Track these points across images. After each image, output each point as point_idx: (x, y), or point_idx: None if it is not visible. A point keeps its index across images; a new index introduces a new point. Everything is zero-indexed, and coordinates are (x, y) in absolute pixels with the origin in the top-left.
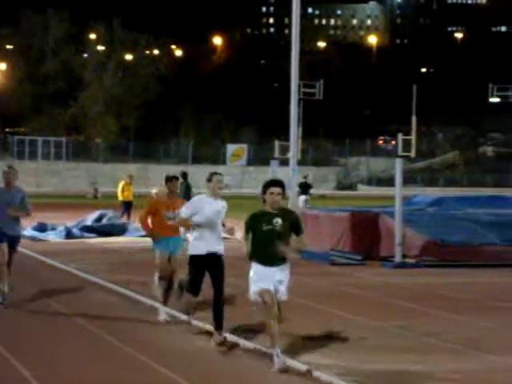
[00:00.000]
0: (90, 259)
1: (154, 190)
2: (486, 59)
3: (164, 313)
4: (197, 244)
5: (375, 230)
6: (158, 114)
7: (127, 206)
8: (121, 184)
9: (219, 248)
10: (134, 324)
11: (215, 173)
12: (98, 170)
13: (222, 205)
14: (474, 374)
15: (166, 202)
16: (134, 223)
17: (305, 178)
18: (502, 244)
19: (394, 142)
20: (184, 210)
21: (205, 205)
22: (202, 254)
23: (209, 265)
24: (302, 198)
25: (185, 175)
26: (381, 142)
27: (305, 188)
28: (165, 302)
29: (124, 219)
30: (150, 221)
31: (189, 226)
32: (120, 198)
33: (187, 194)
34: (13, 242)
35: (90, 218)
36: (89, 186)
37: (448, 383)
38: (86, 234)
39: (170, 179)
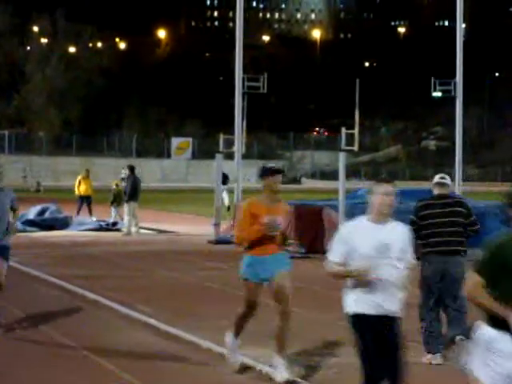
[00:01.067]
0: (33, 253)
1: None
2: (429, 53)
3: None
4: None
5: (319, 223)
6: (101, 106)
7: (85, 201)
8: (77, 179)
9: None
10: (77, 318)
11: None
12: (40, 163)
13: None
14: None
15: (266, 205)
16: (93, 218)
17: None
18: None
19: (326, 133)
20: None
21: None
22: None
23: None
24: (222, 188)
25: (132, 169)
26: (315, 132)
27: (223, 179)
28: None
29: (77, 214)
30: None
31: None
32: (76, 192)
33: (134, 189)
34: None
35: (32, 212)
36: (28, 179)
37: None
38: (28, 228)
39: (273, 172)
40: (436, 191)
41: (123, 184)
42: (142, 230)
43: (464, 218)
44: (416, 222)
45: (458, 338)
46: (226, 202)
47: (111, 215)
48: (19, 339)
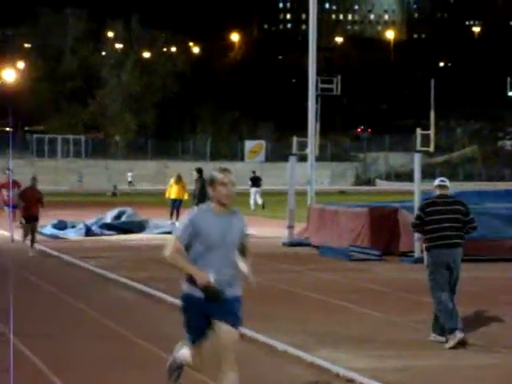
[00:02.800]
0: (110, 256)
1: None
2: (504, 53)
3: None
4: None
5: (394, 225)
6: (175, 111)
7: (175, 204)
8: (170, 182)
9: None
10: (155, 321)
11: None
12: (116, 167)
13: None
14: (493, 370)
15: None
16: (175, 221)
17: (253, 172)
18: None
19: (369, 130)
20: None
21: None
22: None
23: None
24: (253, 190)
25: (200, 171)
26: (359, 130)
27: (255, 181)
28: None
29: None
30: None
31: None
32: (167, 195)
33: (203, 191)
34: None
35: (109, 216)
36: (108, 183)
37: (466, 379)
38: (105, 232)
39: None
40: (437, 192)
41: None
42: None
43: (463, 215)
44: (422, 217)
45: (459, 334)
46: (260, 201)
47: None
48: (98, 341)
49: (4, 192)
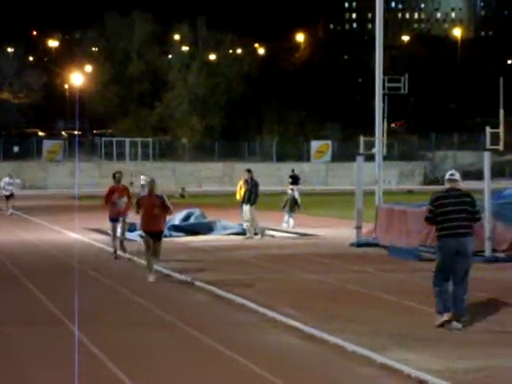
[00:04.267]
0: (179, 258)
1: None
2: None
3: None
4: None
5: None
6: (241, 112)
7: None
8: (238, 184)
9: None
10: (224, 322)
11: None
12: (184, 169)
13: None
14: None
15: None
16: (243, 222)
17: (292, 171)
18: None
19: (397, 124)
20: None
21: None
22: None
23: None
24: (294, 188)
25: (250, 172)
26: (392, 125)
27: (295, 180)
28: None
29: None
30: None
31: None
32: (237, 197)
33: (253, 192)
34: None
35: (177, 217)
36: (175, 185)
37: None
38: (173, 233)
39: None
40: (447, 185)
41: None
42: (284, 234)
43: (470, 206)
44: (433, 211)
45: (447, 315)
46: (299, 200)
47: (286, 221)
48: (169, 341)
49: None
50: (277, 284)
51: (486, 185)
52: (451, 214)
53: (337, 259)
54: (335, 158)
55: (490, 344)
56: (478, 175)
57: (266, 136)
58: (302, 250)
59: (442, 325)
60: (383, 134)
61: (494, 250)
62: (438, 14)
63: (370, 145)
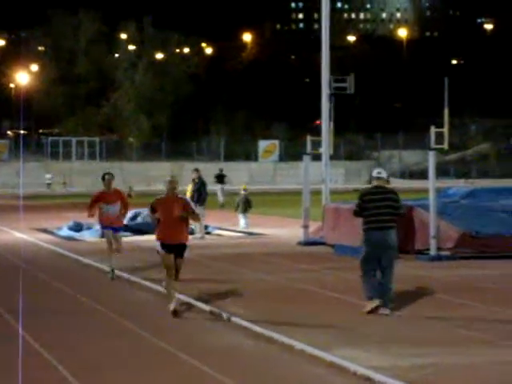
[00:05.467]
0: (126, 257)
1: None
2: None
3: None
4: None
5: (409, 223)
6: (189, 112)
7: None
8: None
9: None
10: (170, 321)
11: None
12: (131, 169)
13: None
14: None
15: None
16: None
17: (220, 170)
18: None
19: (318, 122)
20: None
21: None
22: None
23: None
24: (218, 187)
25: (197, 171)
26: (318, 122)
27: (220, 179)
28: None
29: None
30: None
31: None
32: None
33: (199, 192)
34: None
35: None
36: (123, 185)
37: (486, 375)
38: (121, 233)
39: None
40: (375, 183)
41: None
42: (231, 233)
43: (394, 202)
44: (361, 205)
45: (376, 300)
46: (221, 199)
47: (244, 222)
48: (114, 340)
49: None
50: (225, 283)
51: (431, 184)
52: (377, 209)
53: (284, 258)
54: (283, 157)
55: (437, 342)
56: (422, 174)
57: (213, 136)
58: (250, 249)
59: (371, 311)
60: (329, 134)
61: (438, 249)
62: (384, 15)
63: (317, 144)
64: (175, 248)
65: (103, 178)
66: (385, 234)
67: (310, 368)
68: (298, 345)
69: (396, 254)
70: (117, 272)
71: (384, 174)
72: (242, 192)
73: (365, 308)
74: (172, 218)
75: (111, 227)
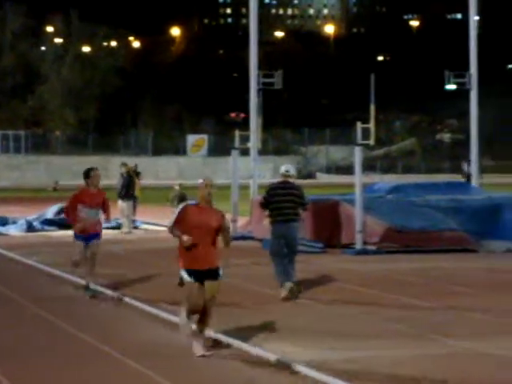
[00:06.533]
0: (52, 252)
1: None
2: (442, 46)
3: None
4: None
5: (336, 217)
6: (117, 105)
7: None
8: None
9: None
10: (100, 317)
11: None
12: (57, 162)
13: None
14: (437, 359)
15: None
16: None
17: (135, 166)
18: (460, 230)
19: (242, 115)
20: None
21: None
22: None
23: None
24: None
25: (125, 165)
26: (233, 115)
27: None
28: None
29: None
30: None
31: None
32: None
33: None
34: None
35: (50, 211)
36: (49, 179)
37: (412, 368)
38: (46, 227)
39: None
40: (281, 178)
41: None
42: (159, 228)
43: (298, 198)
44: (267, 199)
45: (288, 283)
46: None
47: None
48: (44, 336)
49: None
50: (153, 278)
51: (357, 179)
52: (281, 203)
53: None
54: (211, 152)
55: (364, 335)
56: (349, 169)
57: (141, 130)
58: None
59: (286, 297)
60: (258, 129)
61: (365, 243)
62: (311, 11)
63: (245, 139)
64: (207, 275)
65: (87, 175)
66: (288, 227)
67: (235, 364)
68: (226, 339)
69: (298, 245)
70: (45, 268)
71: (291, 171)
72: (177, 187)
73: (280, 295)
74: (207, 237)
75: (88, 235)
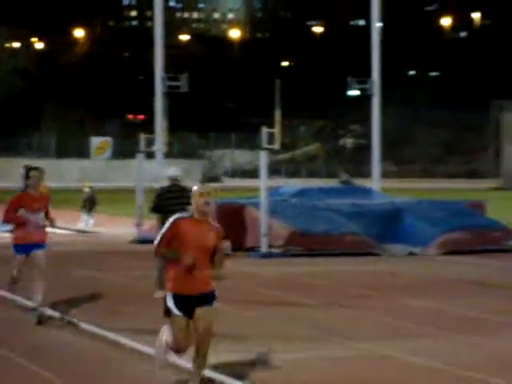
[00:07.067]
0: None
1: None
2: (345, 52)
3: None
4: None
5: (241, 221)
6: (19, 107)
7: None
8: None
9: None
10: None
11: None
12: None
13: None
14: (338, 362)
15: None
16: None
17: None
18: (363, 234)
19: (141, 117)
20: None
21: None
22: None
23: None
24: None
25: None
26: (130, 116)
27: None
28: None
29: None
30: None
31: None
32: None
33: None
34: None
35: None
36: None
37: (311, 371)
38: None
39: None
40: (171, 182)
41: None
42: (62, 231)
43: (188, 200)
44: (158, 202)
45: None
46: None
47: (84, 220)
48: None
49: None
50: (55, 282)
51: (263, 183)
52: (172, 207)
53: (117, 256)
54: (116, 154)
55: (263, 337)
56: (254, 173)
57: (44, 132)
58: (82, 247)
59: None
60: (163, 132)
61: (270, 246)
62: (217, 15)
63: (150, 142)
64: (197, 301)
65: (27, 175)
66: None
67: (141, 366)
68: (129, 343)
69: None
70: None
71: (179, 173)
72: (86, 190)
73: (155, 295)
74: (202, 256)
75: (31, 244)
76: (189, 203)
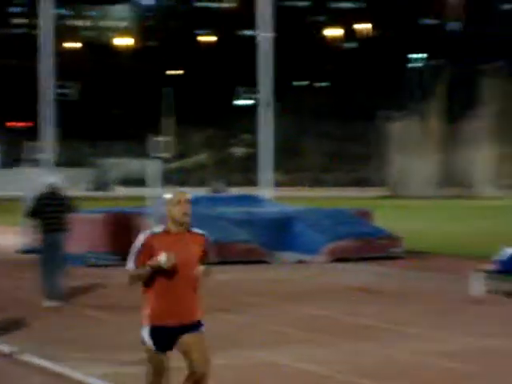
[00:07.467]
0: None
1: None
2: (235, 62)
3: None
4: None
5: (132, 230)
6: None
7: None
8: None
9: None
10: None
11: None
12: None
13: None
14: (225, 370)
15: None
16: None
17: None
18: (254, 241)
19: (21, 124)
20: None
21: None
22: None
23: None
24: None
25: None
26: (10, 124)
27: None
28: None
29: None
30: None
31: None
32: None
33: None
34: None
35: None
36: None
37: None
38: None
39: None
40: (49, 190)
41: None
42: None
43: (66, 208)
44: (34, 209)
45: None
46: None
47: None
48: None
49: None
50: None
51: (152, 191)
52: (49, 213)
53: (2, 266)
54: (2, 163)
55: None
56: (144, 182)
57: None
58: None
59: (51, 307)
60: (51, 140)
61: None
62: (106, 23)
63: (38, 150)
64: (180, 332)
65: None
66: (57, 236)
67: (39, 379)
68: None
69: (65, 254)
70: None
71: (58, 181)
72: None
73: (44, 304)
74: (185, 277)
75: None
76: (65, 211)
